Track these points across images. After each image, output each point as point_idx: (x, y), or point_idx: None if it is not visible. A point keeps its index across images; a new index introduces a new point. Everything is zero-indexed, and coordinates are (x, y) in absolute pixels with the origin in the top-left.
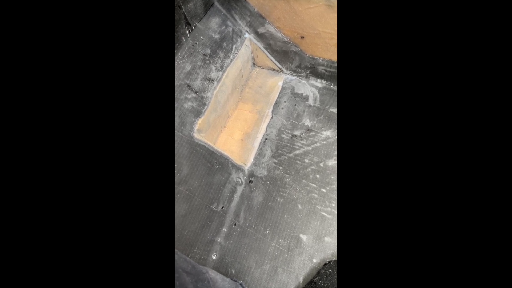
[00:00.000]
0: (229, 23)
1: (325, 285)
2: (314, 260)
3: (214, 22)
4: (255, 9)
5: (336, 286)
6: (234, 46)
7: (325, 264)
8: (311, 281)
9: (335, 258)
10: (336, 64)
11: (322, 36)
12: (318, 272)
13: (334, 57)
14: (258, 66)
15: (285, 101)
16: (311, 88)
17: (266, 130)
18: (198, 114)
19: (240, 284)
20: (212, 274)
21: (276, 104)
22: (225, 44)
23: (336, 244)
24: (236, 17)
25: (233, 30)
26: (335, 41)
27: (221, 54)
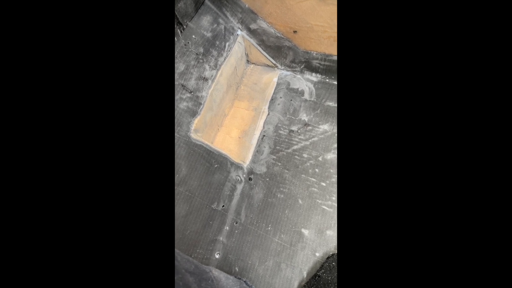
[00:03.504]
0: (220, 20)
1: (329, 278)
2: (317, 254)
3: (205, 20)
4: (246, 5)
5: None
6: (227, 43)
7: (328, 258)
8: (315, 275)
9: (337, 251)
10: (330, 57)
11: (315, 29)
12: (322, 265)
13: (327, 50)
14: (253, 63)
15: (281, 97)
16: (307, 83)
17: (263, 126)
18: (194, 114)
19: (244, 281)
20: (216, 273)
21: (272, 100)
22: (217, 42)
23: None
24: (228, 14)
25: (225, 27)
26: (328, 34)
27: (214, 53)
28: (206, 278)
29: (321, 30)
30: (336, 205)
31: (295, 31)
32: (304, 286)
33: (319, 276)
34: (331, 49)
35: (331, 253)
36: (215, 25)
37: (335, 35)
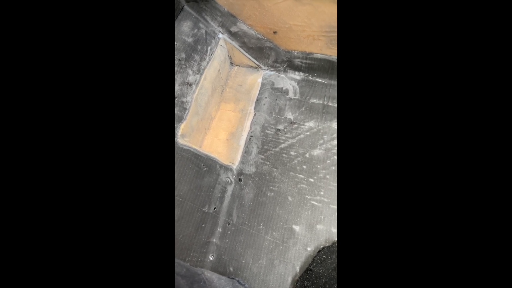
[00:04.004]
0: (201, 25)
1: (320, 271)
2: (309, 249)
3: (186, 25)
4: (225, 9)
5: (330, 270)
6: (209, 47)
7: (319, 251)
8: (307, 269)
9: (328, 244)
10: (311, 56)
11: (294, 29)
12: (313, 259)
13: (308, 48)
14: (236, 65)
15: (266, 97)
16: (290, 81)
17: (250, 127)
18: (180, 119)
19: (237, 280)
20: (208, 274)
21: (258, 100)
22: (199, 47)
23: (328, 230)
24: (208, 18)
25: (206, 31)
26: (306, 33)
27: (197, 57)
28: (198, 280)
29: (299, 30)
30: (325, 199)
31: (275, 32)
32: (297, 280)
33: (310, 270)
34: (311, 48)
35: (321, 246)
36: (196, 30)
37: (314, 33)
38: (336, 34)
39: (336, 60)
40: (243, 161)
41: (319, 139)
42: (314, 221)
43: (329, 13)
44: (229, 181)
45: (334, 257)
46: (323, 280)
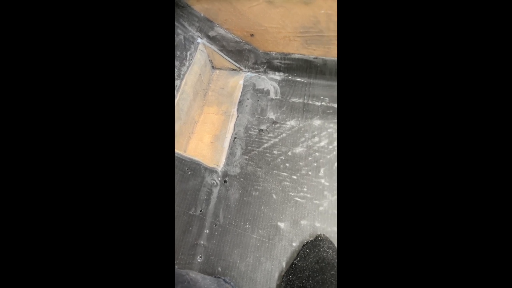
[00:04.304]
0: (179, 31)
1: (304, 264)
2: (294, 244)
3: None
4: (202, 14)
5: (313, 263)
6: (188, 53)
7: (303, 246)
8: (292, 264)
9: (311, 238)
10: (289, 56)
11: (270, 31)
12: (298, 254)
13: (285, 49)
14: (218, 68)
15: (248, 99)
16: (271, 82)
17: (234, 129)
18: None
19: (223, 279)
20: (193, 275)
21: (240, 102)
22: (178, 53)
23: (312, 225)
24: (185, 24)
25: (184, 37)
26: (282, 34)
27: (176, 63)
28: (182, 281)
29: (275, 32)
30: (308, 195)
31: (252, 35)
32: (283, 275)
33: (295, 264)
34: (288, 48)
35: (306, 241)
36: (174, 36)
37: (289, 35)
38: (310, 34)
39: (312, 59)
40: (228, 162)
41: (300, 137)
42: (298, 217)
43: (302, 15)
44: (215, 183)
45: (316, 250)
46: (307, 273)
